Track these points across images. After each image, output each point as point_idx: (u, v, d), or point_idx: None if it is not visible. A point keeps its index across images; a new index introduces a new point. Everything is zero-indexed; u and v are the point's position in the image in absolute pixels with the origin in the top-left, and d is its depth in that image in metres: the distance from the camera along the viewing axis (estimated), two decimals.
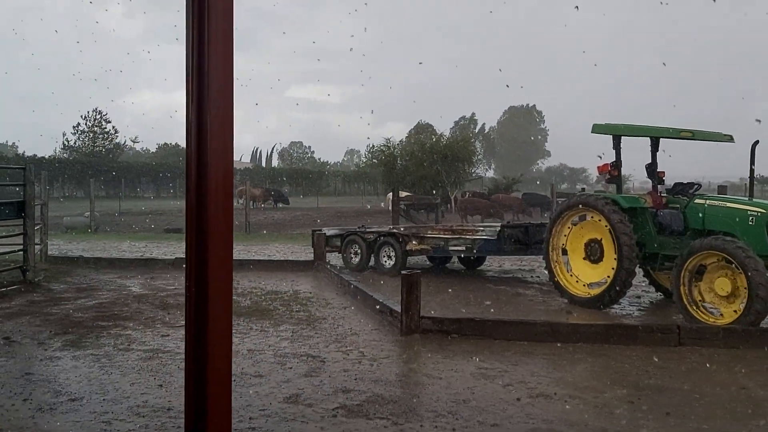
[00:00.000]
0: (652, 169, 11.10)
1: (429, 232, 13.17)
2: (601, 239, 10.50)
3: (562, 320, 9.15)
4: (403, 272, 8.39)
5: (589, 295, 10.48)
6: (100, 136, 70.19)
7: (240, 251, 18.70)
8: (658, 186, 11.08)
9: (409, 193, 34.58)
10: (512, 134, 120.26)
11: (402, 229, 14.06)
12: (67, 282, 12.43)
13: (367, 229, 14.38)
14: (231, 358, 2.01)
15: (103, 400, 5.80)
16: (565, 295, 10.82)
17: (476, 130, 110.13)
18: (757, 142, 9.67)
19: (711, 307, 9.04)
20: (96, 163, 60.41)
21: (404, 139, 59.54)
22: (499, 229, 12.30)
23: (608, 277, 10.21)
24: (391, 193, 35.57)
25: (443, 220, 28.41)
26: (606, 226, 10.23)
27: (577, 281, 10.77)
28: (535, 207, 35.27)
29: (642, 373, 6.86)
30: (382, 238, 13.66)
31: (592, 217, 10.58)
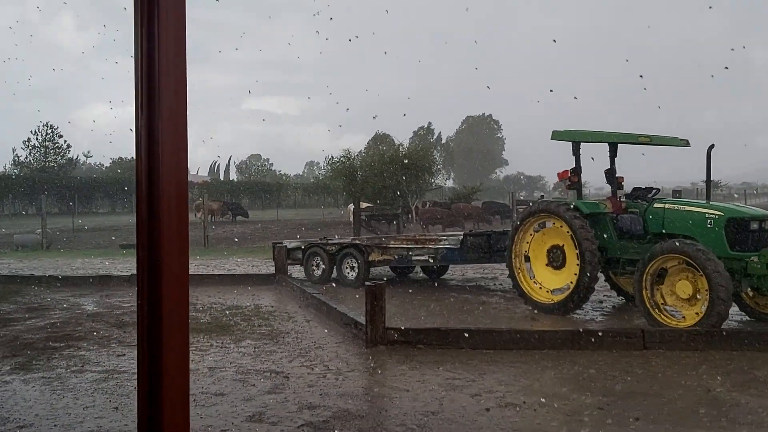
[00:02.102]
0: (610, 175, 11.20)
1: (392, 242, 13.06)
2: (563, 245, 10.53)
3: (527, 327, 9.10)
4: (367, 283, 8.24)
5: (552, 302, 10.49)
6: (52, 151, 68.42)
7: (198, 265, 18.31)
8: (617, 191, 11.19)
9: (369, 204, 34.51)
10: (470, 144, 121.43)
11: (364, 240, 13.90)
12: (17, 302, 11.94)
13: (329, 241, 14.20)
14: (188, 377, 1.85)
15: (54, 426, 5.50)
16: (528, 302, 10.80)
17: (434, 140, 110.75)
18: (712, 146, 9.83)
19: (673, 310, 9.12)
20: (48, 179, 58.77)
21: (363, 150, 59.64)
22: (462, 237, 12.26)
23: (571, 283, 10.23)
24: (352, 205, 35.45)
25: (404, 230, 28.35)
26: (567, 232, 10.26)
27: (540, 288, 10.78)
28: (495, 215, 35.54)
29: (609, 379, 6.84)
30: (344, 249, 13.49)
31: (553, 223, 10.61)
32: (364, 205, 34.91)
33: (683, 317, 8.86)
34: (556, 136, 10.97)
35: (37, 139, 67.86)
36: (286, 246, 14.24)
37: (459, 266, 15.10)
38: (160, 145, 1.75)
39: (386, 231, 26.32)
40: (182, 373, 1.84)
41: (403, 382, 6.67)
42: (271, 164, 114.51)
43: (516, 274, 11.02)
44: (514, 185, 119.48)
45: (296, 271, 14.76)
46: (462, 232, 13.00)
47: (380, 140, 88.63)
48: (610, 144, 11.07)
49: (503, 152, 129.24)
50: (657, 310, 9.02)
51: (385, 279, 11.00)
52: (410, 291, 12.95)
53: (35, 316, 10.60)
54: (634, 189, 11.32)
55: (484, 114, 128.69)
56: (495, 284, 13.80)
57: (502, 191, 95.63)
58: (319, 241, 14.34)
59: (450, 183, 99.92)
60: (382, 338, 8.14)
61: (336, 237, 16.07)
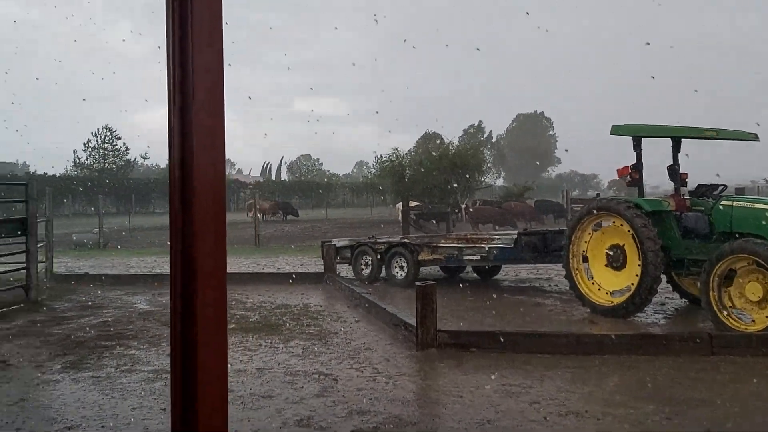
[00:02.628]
0: (674, 171, 10.66)
1: (442, 241, 12.76)
2: (624, 245, 10.07)
3: (586, 331, 8.70)
4: (418, 283, 7.99)
5: (612, 304, 10.04)
6: (111, 152, 70.34)
7: (249, 264, 18.38)
8: (681, 188, 10.65)
9: (418, 203, 34.20)
10: (521, 142, 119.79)
11: (414, 239, 13.65)
12: (71, 300, 12.10)
13: (378, 240, 13.99)
14: (226, 380, 1.66)
15: (102, 427, 5.42)
16: (586, 304, 10.37)
17: (484, 138, 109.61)
18: None
19: (741, 314, 8.59)
20: (106, 180, 60.42)
21: (412, 149, 59.34)
22: (515, 236, 11.88)
23: (632, 284, 9.77)
24: (401, 203, 35.23)
25: (454, 229, 27.96)
26: (629, 231, 9.80)
27: (599, 289, 10.34)
28: (548, 214, 34.76)
29: (675, 386, 6.43)
30: (393, 248, 13.27)
31: (613, 222, 10.16)
32: (412, 203, 34.66)
33: (753, 321, 8.35)
34: (616, 130, 10.49)
35: (96, 141, 69.88)
36: (335, 245, 14.09)
37: (512, 266, 14.72)
38: (193, 140, 1.57)
39: (435, 230, 25.98)
40: (220, 377, 1.65)
41: (456, 388, 6.40)
42: (321, 164, 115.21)
43: (573, 274, 10.60)
44: (567, 183, 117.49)
45: (344, 270, 14.60)
46: (516, 231, 12.62)
47: (429, 139, 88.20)
48: (673, 139, 10.54)
49: (555, 150, 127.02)
50: (725, 314, 8.51)
51: (435, 281, 10.73)
52: (461, 291, 12.64)
53: (88, 314, 10.70)
54: (699, 186, 10.76)
55: (536, 111, 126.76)
56: (550, 285, 13.37)
57: (554, 189, 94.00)
58: (368, 240, 14.15)
59: (500, 182, 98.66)
60: (433, 341, 7.87)
61: (385, 237, 15.84)
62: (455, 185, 37.18)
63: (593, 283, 10.43)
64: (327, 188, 77.90)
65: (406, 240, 13.34)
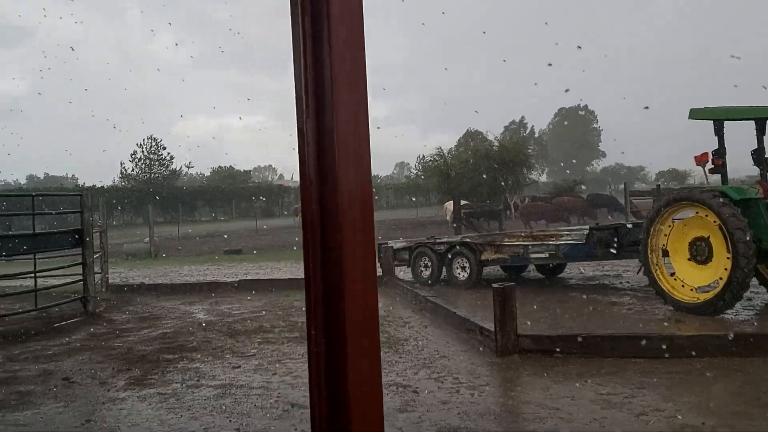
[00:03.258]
0: (758, 156, 9.89)
1: (506, 239, 12.17)
2: (709, 237, 9.35)
3: (677, 332, 8.02)
4: (496, 285, 7.45)
5: (698, 301, 9.32)
6: (156, 162, 71.37)
7: (294, 269, 18.06)
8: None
9: (467, 202, 33.54)
10: (564, 136, 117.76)
11: (476, 238, 13.09)
12: (129, 311, 11.89)
13: (438, 240, 13.47)
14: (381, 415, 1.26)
15: None
16: (669, 302, 9.68)
17: (527, 134, 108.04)
18: None
19: None
20: (153, 189, 61.26)
21: (454, 148, 58.60)
22: (587, 232, 11.22)
23: (720, 278, 9.05)
24: (450, 203, 34.62)
25: (506, 227, 27.25)
26: (715, 221, 9.09)
27: (682, 285, 9.63)
28: (601, 208, 33.70)
29: None
30: (454, 248, 12.73)
31: (697, 212, 9.44)
32: (462, 202, 34.03)
33: None
34: (696, 114, 9.79)
35: (142, 151, 70.99)
36: (392, 246, 13.62)
37: (575, 264, 14.01)
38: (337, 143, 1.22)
39: (487, 228, 25.34)
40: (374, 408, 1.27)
41: (548, 398, 5.85)
42: None
43: (653, 270, 9.92)
44: (613, 177, 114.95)
45: (401, 272, 14.11)
46: (587, 226, 11.94)
47: (472, 137, 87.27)
48: (757, 121, 9.77)
49: (600, 144, 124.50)
50: None
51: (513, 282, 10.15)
52: (526, 292, 12.03)
53: (147, 326, 10.44)
54: None
55: (579, 104, 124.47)
56: (621, 282, 12.65)
57: (600, 183, 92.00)
58: (427, 241, 13.64)
59: (544, 177, 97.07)
60: (514, 347, 7.34)
61: (444, 237, 15.31)
62: (502, 183, 36.37)
63: (675, 279, 9.73)
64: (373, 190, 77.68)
65: (467, 239, 12.78)
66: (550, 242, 11.50)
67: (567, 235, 11.48)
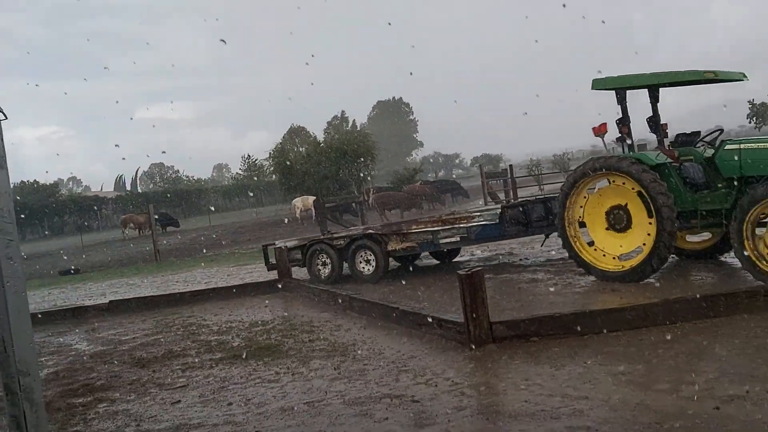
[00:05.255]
0: (654, 122, 10.19)
1: (413, 226, 11.61)
2: (626, 204, 9.45)
3: (642, 302, 7.81)
4: (461, 272, 6.83)
5: (623, 269, 9.39)
6: None
7: (164, 283, 16.33)
8: (664, 140, 10.22)
9: (315, 197, 32.80)
10: (384, 128, 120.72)
11: (379, 227, 12.40)
12: None
13: (336, 235, 12.61)
14: None
15: None
16: (593, 273, 9.69)
17: (349, 128, 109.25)
18: None
19: None
20: None
21: (279, 144, 57.37)
22: (500, 211, 10.98)
23: (644, 244, 9.18)
24: (299, 199, 33.70)
25: (366, 218, 26.88)
26: (634, 188, 9.19)
27: (603, 255, 9.67)
28: (446, 193, 34.61)
29: None
30: (356, 242, 11.95)
31: (613, 181, 9.50)
32: (310, 198, 33.28)
33: None
34: (598, 84, 9.84)
35: None
36: (285, 246, 12.54)
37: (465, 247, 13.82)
38: None
39: (354, 222, 24.77)
40: None
41: (568, 387, 5.31)
42: (177, 171, 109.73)
43: (572, 243, 9.88)
44: (432, 165, 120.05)
45: (295, 274, 13.08)
46: (499, 206, 11.73)
47: (296, 133, 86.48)
48: (650, 88, 10.05)
49: (416, 134, 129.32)
50: (764, 261, 8.07)
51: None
52: (436, 280, 11.60)
53: None
54: (678, 135, 10.41)
55: (394, 98, 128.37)
56: (520, 260, 12.65)
57: (424, 171, 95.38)
58: (323, 237, 12.73)
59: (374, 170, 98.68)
60: (488, 335, 6.78)
61: (342, 231, 14.48)
62: (348, 175, 36.07)
63: (596, 250, 9.76)
64: (198, 194, 73.86)
65: (371, 230, 12.05)
66: (462, 225, 11.13)
67: (479, 216, 11.17)
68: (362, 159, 36.83)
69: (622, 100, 9.86)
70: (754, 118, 44.29)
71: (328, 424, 5.18)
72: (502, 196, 23.79)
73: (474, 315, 6.75)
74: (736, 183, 8.90)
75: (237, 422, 5.48)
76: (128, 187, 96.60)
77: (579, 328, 6.73)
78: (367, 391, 5.85)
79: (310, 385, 6.28)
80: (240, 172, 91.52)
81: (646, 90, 10.10)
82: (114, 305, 12.06)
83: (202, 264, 20.12)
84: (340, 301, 9.71)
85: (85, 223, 60.74)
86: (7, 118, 1.88)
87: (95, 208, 67.36)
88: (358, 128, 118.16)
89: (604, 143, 10.42)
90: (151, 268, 21.51)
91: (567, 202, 9.93)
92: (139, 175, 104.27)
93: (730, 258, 10.05)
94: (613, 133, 10.16)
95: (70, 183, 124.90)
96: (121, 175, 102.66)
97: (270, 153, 41.76)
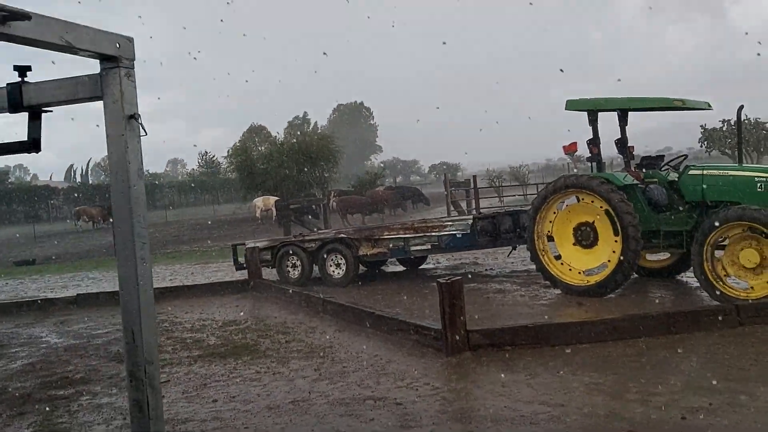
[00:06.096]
0: (622, 144, 10.67)
1: (385, 232, 11.84)
2: (594, 222, 9.87)
3: (606, 316, 8.17)
4: (441, 280, 7.08)
5: (588, 284, 9.80)
6: None
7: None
8: (630, 162, 10.71)
9: (278, 198, 32.73)
10: (343, 131, 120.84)
11: (351, 232, 12.59)
12: None
13: (307, 237, 12.75)
14: None
15: None
16: (559, 286, 10.07)
17: (310, 130, 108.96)
18: (742, 106, 9.47)
19: (734, 282, 8.66)
20: None
21: (238, 143, 56.96)
22: (471, 221, 11.29)
23: (609, 260, 9.60)
24: (260, 199, 33.58)
25: (329, 223, 27.01)
26: (601, 207, 9.61)
27: (569, 269, 10.07)
28: (407, 200, 34.96)
29: (742, 358, 6.18)
30: (327, 245, 12.12)
31: (583, 199, 9.91)
32: (271, 198, 33.19)
33: (751, 288, 8.43)
34: (572, 105, 10.27)
35: None
36: (256, 246, 12.62)
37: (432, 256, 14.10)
38: None
39: (314, 223, 24.86)
40: None
41: (544, 395, 5.61)
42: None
43: (541, 256, 10.25)
44: (391, 170, 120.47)
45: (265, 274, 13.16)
46: (470, 216, 12.04)
47: (256, 132, 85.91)
48: (620, 112, 10.51)
49: (377, 139, 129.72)
50: (721, 283, 8.55)
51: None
52: (403, 286, 11.86)
53: None
54: (644, 158, 10.93)
55: (355, 101, 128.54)
56: (486, 270, 13.00)
57: (384, 176, 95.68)
58: (294, 239, 12.85)
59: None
60: (465, 343, 7.04)
61: (314, 233, 14.61)
62: (310, 177, 36.08)
63: (563, 264, 10.15)
64: (153, 189, 72.53)
65: (342, 234, 12.24)
66: (433, 233, 11.41)
67: (450, 225, 11.47)
68: (324, 163, 36.86)
69: (593, 122, 10.28)
70: (705, 143, 46.06)
71: (316, 423, 5.36)
72: (464, 205, 24.21)
73: (452, 322, 7.01)
74: (697, 207, 9.40)
75: (224, 419, 5.61)
76: (79, 179, 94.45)
77: (552, 339, 7.07)
78: (350, 393, 6.05)
79: (292, 384, 6.44)
80: (196, 168, 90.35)
81: (616, 113, 10.56)
82: (82, 299, 11.95)
83: (164, 261, 19.96)
84: (314, 303, 9.87)
85: (35, 214, 59.08)
86: (147, 134, 2.03)
87: (46, 198, 65.58)
88: (319, 130, 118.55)
89: (574, 162, 10.86)
90: (110, 262, 21.19)
91: (537, 216, 10.30)
92: (90, 166, 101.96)
93: (686, 277, 10.59)
94: (582, 151, 10.62)
95: (17, 170, 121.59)
96: (73, 166, 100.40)
97: (229, 151, 41.49)
